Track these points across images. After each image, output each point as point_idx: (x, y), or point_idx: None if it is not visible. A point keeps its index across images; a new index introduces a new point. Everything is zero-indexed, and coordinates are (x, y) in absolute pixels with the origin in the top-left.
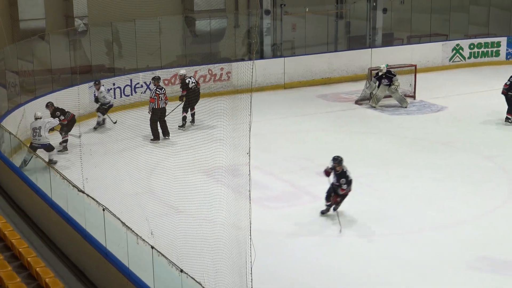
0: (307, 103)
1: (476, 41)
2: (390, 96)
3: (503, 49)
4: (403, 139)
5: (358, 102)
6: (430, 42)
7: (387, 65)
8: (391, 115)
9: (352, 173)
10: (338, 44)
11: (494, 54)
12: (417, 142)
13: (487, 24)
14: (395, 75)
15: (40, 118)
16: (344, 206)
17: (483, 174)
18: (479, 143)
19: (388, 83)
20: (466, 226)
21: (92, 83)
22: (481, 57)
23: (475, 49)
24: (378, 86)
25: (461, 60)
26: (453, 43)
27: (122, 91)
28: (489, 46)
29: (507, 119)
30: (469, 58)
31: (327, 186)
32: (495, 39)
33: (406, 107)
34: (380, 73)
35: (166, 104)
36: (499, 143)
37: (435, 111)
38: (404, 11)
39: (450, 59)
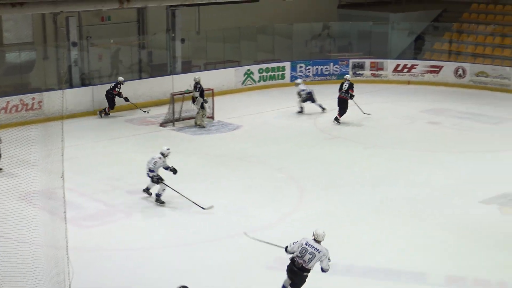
0: (117, 127)
1: (264, 66)
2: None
3: (287, 72)
4: (206, 157)
5: (162, 124)
6: (224, 68)
7: (187, 90)
8: (193, 135)
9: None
10: (142, 72)
11: (280, 77)
12: (219, 159)
13: (273, 51)
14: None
15: None
16: (158, 217)
17: (276, 183)
18: (271, 157)
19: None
20: (266, 231)
21: None
22: (269, 80)
23: (264, 73)
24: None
25: (252, 83)
26: (245, 68)
27: None
28: (276, 70)
29: (336, 119)
30: (259, 81)
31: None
32: (280, 64)
33: (205, 127)
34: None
35: None
36: (285, 155)
37: (232, 130)
38: (200, 41)
39: (242, 83)
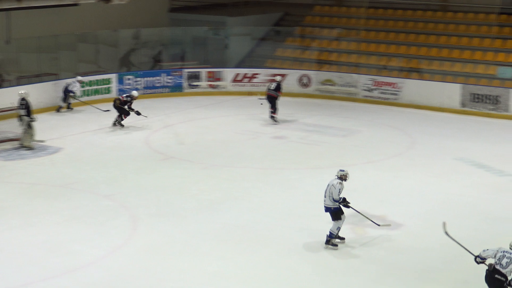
0: None
1: (87, 78)
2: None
3: (114, 85)
4: (20, 186)
5: None
6: (41, 82)
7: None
8: (5, 161)
9: None
10: None
11: (105, 91)
12: (35, 187)
13: (96, 61)
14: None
15: None
16: None
17: (105, 213)
18: (97, 182)
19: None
20: (90, 269)
21: None
22: (93, 94)
23: (87, 87)
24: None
25: (73, 99)
26: (64, 82)
27: None
28: (101, 83)
29: (271, 117)
30: (81, 96)
31: None
32: (106, 76)
33: (33, 149)
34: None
35: None
36: (115, 180)
37: (51, 153)
38: (10, 51)
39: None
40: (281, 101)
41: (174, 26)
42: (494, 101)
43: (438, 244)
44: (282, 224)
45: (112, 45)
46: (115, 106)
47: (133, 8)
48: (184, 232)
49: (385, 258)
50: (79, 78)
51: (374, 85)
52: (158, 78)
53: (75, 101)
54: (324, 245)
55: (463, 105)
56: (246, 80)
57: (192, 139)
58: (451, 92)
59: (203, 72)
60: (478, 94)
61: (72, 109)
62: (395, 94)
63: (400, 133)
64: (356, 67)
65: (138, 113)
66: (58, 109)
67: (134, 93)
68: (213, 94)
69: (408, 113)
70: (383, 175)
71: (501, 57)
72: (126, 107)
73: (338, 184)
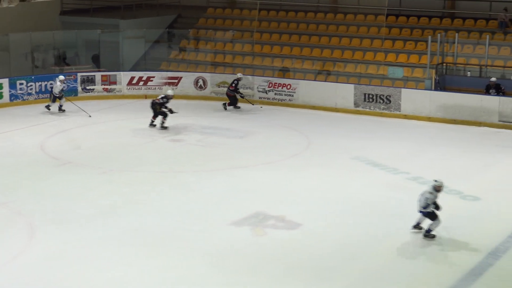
0: None
1: None
2: None
3: (5, 91)
4: None
5: None
6: None
7: None
8: None
9: None
10: None
11: None
12: None
13: None
14: None
15: None
16: None
17: (0, 222)
18: None
19: None
20: None
21: None
22: None
23: None
24: None
25: None
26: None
27: None
28: None
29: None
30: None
31: None
32: None
33: None
34: None
35: None
36: (9, 188)
37: None
38: None
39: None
40: (177, 104)
41: (66, 29)
42: (386, 100)
43: (336, 243)
44: (183, 227)
45: (3, 50)
46: (156, 111)
47: (23, 11)
48: (84, 239)
49: (284, 258)
50: (61, 77)
51: (270, 87)
52: (51, 82)
53: (62, 101)
54: (423, 237)
55: (357, 105)
56: (141, 83)
57: (89, 143)
58: (344, 93)
59: (98, 75)
60: (370, 94)
61: (49, 110)
62: (290, 95)
63: (296, 133)
64: (251, 69)
65: (171, 112)
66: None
67: (170, 92)
68: (109, 98)
69: (304, 114)
70: (281, 176)
71: (391, 57)
72: (167, 110)
73: (428, 194)
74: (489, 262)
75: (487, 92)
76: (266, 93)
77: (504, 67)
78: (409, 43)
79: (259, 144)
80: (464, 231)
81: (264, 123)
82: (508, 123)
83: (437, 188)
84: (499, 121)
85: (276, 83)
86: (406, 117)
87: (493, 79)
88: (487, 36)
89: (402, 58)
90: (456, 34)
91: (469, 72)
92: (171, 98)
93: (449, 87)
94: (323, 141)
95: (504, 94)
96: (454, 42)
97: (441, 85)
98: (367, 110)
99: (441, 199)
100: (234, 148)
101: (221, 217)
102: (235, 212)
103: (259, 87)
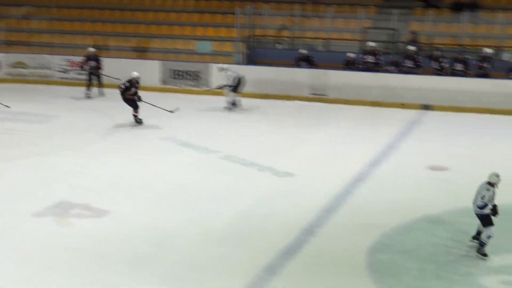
0: None
1: None
2: None
3: None
4: None
5: None
6: None
7: None
8: None
9: None
10: None
11: None
12: None
13: None
14: None
15: None
16: None
17: None
18: None
19: None
20: None
21: None
22: None
23: None
24: None
25: None
26: None
27: None
28: None
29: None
30: None
31: None
32: None
33: None
34: None
35: None
36: None
37: None
38: None
39: None
40: None
41: None
42: (195, 77)
43: (145, 228)
44: None
45: None
46: (124, 99)
47: None
48: None
49: (95, 249)
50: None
51: (70, 66)
52: None
53: None
54: (476, 253)
55: (164, 82)
56: None
57: None
58: (151, 69)
59: None
60: (178, 71)
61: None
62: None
63: (102, 115)
64: (49, 48)
65: (140, 99)
66: None
67: (135, 74)
68: None
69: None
70: (86, 162)
71: (199, 31)
72: (135, 97)
73: (485, 191)
74: (304, 238)
75: (297, 64)
76: (66, 73)
77: (314, 38)
78: (218, 16)
79: (61, 129)
80: (278, 209)
81: (66, 106)
82: (319, 96)
83: (492, 184)
84: (310, 94)
85: (77, 62)
86: (217, 93)
87: (303, 51)
88: (298, 8)
89: (211, 32)
90: (266, 6)
91: (278, 45)
92: (137, 81)
93: (260, 61)
94: (131, 122)
95: (315, 66)
96: (262, 14)
97: (252, 59)
98: (175, 87)
99: (254, 177)
100: (32, 134)
101: (23, 209)
102: (38, 203)
103: (58, 66)
